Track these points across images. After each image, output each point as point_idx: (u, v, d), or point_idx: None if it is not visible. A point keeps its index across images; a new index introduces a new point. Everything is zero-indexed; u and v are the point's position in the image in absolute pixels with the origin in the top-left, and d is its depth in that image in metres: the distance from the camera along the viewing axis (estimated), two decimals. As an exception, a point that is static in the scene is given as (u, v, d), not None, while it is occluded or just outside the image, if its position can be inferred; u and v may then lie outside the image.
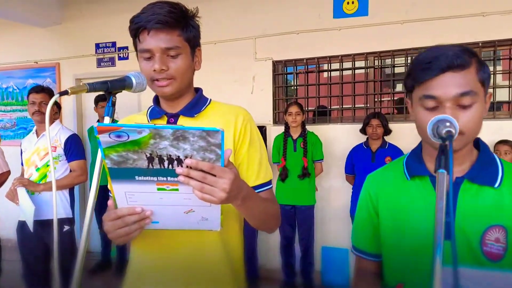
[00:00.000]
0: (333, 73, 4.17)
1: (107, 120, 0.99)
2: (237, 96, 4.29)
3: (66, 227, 2.93)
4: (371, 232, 1.10)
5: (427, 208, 0.96)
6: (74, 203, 3.05)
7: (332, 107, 4.21)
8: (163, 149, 0.81)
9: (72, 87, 0.94)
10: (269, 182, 1.20)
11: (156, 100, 1.25)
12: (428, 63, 0.90)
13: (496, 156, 0.99)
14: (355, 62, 4.04)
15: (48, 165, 2.87)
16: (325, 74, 4.29)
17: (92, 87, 0.98)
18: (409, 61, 3.87)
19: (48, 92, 2.96)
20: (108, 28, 4.97)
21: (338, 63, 4.09)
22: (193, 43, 1.17)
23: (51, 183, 2.83)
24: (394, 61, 3.92)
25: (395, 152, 3.53)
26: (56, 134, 2.96)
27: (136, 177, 0.86)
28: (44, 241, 2.86)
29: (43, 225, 2.80)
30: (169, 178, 0.86)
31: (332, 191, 4.10)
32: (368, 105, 4.05)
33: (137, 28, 1.11)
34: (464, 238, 0.92)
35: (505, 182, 0.94)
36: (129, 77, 1.06)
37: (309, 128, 3.90)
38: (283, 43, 4.20)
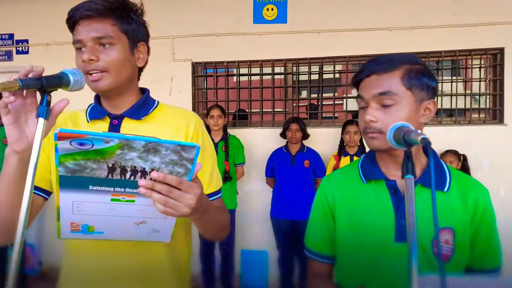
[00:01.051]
0: (253, 78, 4.22)
1: (41, 121, 0.86)
2: (154, 97, 4.11)
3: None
4: (327, 235, 1.11)
5: (384, 211, 1.00)
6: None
7: (252, 111, 4.25)
8: (129, 160, 0.75)
9: (3, 82, 0.80)
10: (220, 190, 1.16)
11: (98, 98, 1.14)
12: (368, 63, 1.02)
13: (443, 163, 1.06)
14: (275, 67, 4.14)
15: None
16: (243, 78, 4.32)
17: (25, 84, 0.84)
18: (324, 69, 4.07)
19: None
20: (4, 18, 4.43)
21: (258, 68, 4.15)
22: (133, 36, 1.09)
23: None
24: (310, 68, 4.09)
25: (313, 155, 3.68)
26: None
27: (90, 186, 0.79)
28: None
29: None
30: (127, 189, 0.81)
31: (253, 195, 4.14)
32: (287, 110, 4.17)
33: (68, 19, 1.03)
34: (417, 240, 0.96)
35: (453, 186, 1.01)
36: (66, 74, 0.93)
37: (230, 131, 3.89)
38: (203, 45, 4.14)
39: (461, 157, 3.48)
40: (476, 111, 3.82)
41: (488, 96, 3.76)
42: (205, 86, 4.35)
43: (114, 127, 1.10)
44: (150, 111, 1.13)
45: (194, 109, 4.23)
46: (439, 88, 3.85)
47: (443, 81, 3.83)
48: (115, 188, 0.80)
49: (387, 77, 0.97)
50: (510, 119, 3.56)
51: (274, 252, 3.91)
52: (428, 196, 0.99)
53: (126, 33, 1.06)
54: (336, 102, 4.21)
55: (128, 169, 0.77)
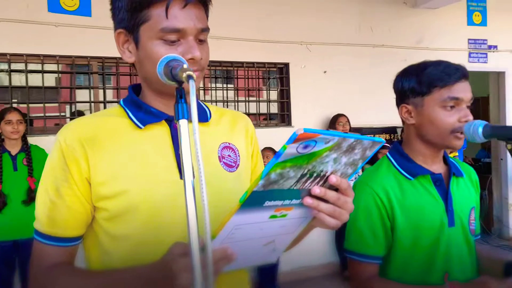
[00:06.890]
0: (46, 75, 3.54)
1: (184, 124, 0.63)
2: None
3: None
4: (382, 236, 1.14)
5: (434, 202, 1.14)
6: None
7: (47, 115, 3.56)
8: (323, 164, 0.64)
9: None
10: None
11: (135, 93, 0.88)
12: (455, 69, 1.11)
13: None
14: (76, 65, 3.61)
15: None
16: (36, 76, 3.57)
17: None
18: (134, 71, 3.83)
19: None
20: None
21: (55, 64, 3.52)
22: None
23: None
24: (118, 69, 3.77)
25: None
26: None
27: (266, 202, 0.64)
28: None
29: None
30: (293, 201, 0.68)
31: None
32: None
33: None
34: (461, 223, 1.16)
35: (465, 172, 1.24)
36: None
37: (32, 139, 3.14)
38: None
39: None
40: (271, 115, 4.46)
41: (278, 103, 4.43)
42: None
43: (176, 133, 0.85)
44: (210, 112, 0.95)
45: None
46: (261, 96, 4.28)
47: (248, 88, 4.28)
48: (284, 201, 0.66)
49: (468, 83, 1.12)
50: (296, 122, 4.30)
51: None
52: (457, 184, 1.19)
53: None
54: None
55: (314, 175, 0.65)
